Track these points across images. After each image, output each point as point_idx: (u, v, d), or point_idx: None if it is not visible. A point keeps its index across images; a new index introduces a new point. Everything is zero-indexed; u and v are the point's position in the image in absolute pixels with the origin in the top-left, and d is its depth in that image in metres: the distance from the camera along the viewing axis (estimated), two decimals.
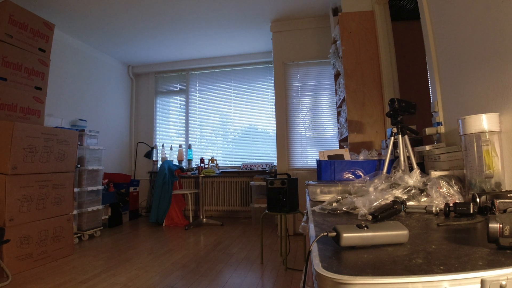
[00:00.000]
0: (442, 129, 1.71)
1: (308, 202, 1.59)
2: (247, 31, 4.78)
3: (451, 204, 1.04)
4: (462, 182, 1.26)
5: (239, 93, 5.79)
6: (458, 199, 1.13)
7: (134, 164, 6.02)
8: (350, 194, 1.47)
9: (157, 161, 5.86)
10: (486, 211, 0.96)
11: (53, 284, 2.70)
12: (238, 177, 5.39)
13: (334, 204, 1.36)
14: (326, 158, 1.93)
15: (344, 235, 0.71)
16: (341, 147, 3.48)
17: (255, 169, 5.22)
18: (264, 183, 4.83)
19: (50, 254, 3.19)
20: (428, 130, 1.74)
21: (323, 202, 1.50)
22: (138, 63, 6.08)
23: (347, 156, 1.94)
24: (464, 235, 0.81)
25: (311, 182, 1.74)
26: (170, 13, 4.24)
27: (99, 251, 3.69)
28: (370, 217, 1.03)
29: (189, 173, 5.14)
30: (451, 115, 1.64)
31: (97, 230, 4.37)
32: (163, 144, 5.90)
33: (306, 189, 1.75)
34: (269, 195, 3.11)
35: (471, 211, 0.96)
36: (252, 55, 5.58)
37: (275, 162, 5.31)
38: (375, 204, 1.11)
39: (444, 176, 1.33)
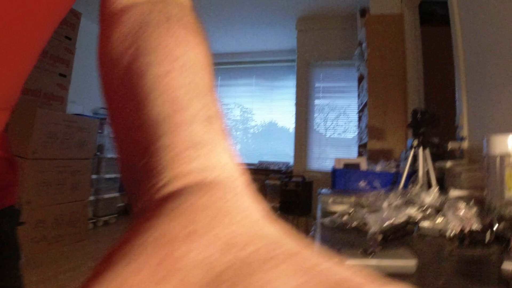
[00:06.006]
0: (465, 144, 1.62)
1: (319, 211, 1.55)
2: (272, 27, 4.73)
3: (466, 230, 0.98)
4: (482, 204, 1.19)
5: (260, 90, 5.74)
6: (475, 223, 1.07)
7: None
8: (363, 207, 1.42)
9: None
10: (503, 241, 0.89)
11: (65, 267, 2.76)
12: (254, 175, 5.36)
13: (345, 217, 1.31)
14: (341, 167, 1.88)
15: (347, 262, 0.66)
16: (359, 153, 3.40)
17: (271, 167, 5.17)
18: (279, 182, 4.79)
19: (64, 238, 3.26)
20: (451, 145, 1.66)
21: (334, 213, 1.46)
22: None
23: (363, 165, 1.88)
24: (476, 267, 0.75)
25: (323, 191, 1.69)
26: (197, 3, 4.22)
27: (112, 238, 3.75)
28: (380, 236, 0.99)
29: None
30: (477, 130, 1.55)
31: (112, 217, 4.45)
32: None
33: (318, 196, 1.71)
34: (282, 196, 3.08)
35: (487, 241, 0.90)
36: (275, 53, 5.51)
37: (292, 162, 5.26)
38: (387, 223, 1.06)
39: (463, 196, 1.25)
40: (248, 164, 5.50)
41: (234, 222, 0.14)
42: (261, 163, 5.36)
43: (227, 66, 5.94)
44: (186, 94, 0.22)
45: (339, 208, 1.50)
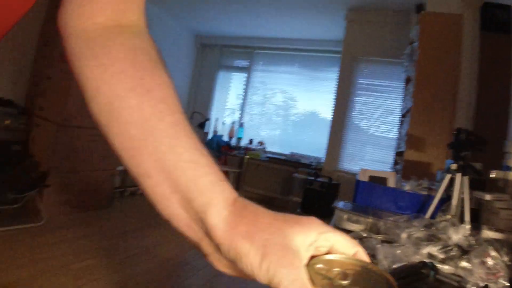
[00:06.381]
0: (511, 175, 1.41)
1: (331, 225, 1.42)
2: (320, 15, 4.49)
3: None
4: None
5: (302, 79, 5.54)
6: (503, 276, 0.90)
7: None
8: (378, 232, 1.27)
9: (208, 133, 5.90)
10: None
11: (82, 233, 2.84)
12: (283, 165, 5.22)
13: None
14: (366, 179, 1.72)
15: None
16: (395, 161, 3.17)
17: (302, 160, 5.01)
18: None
19: (87, 204, 3.35)
20: (495, 173, 1.45)
21: (347, 231, 1.33)
22: (206, 34, 6.06)
23: (391, 181, 1.70)
24: None
25: (340, 204, 1.56)
26: None
27: (135, 209, 3.84)
28: None
29: (235, 152, 5.10)
30: None
31: (139, 188, 4.53)
32: (217, 118, 5.91)
33: (334, 206, 1.57)
34: (305, 195, 2.95)
35: None
36: (320, 42, 5.25)
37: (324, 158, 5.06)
38: (398, 265, 0.92)
39: (497, 240, 1.08)
40: (280, 154, 5.37)
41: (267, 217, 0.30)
42: (292, 154, 5.22)
43: (270, 51, 5.78)
44: (199, 142, 0.33)
45: (353, 227, 1.37)
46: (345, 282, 0.28)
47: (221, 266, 0.31)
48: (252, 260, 0.27)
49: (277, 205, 5.32)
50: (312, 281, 0.26)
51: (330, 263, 0.29)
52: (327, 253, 0.30)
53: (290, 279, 0.25)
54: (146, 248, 2.82)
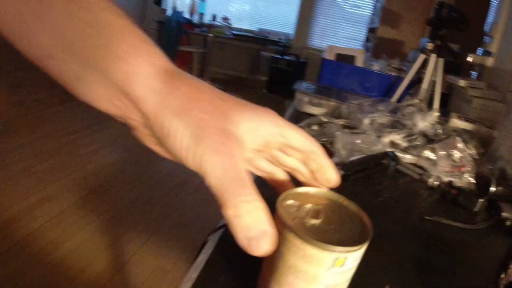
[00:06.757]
0: (490, 61, 1.28)
1: (290, 110, 1.30)
2: None
3: (454, 184, 0.75)
4: (486, 148, 0.94)
5: None
6: (468, 171, 0.83)
7: (142, 11, 5.40)
8: (340, 117, 1.16)
9: (166, 10, 5.25)
10: (495, 212, 0.67)
11: (44, 132, 2.67)
12: (250, 43, 4.87)
13: (314, 127, 1.08)
14: (333, 58, 1.55)
15: None
16: (367, 39, 2.97)
17: (271, 37, 4.66)
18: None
19: (43, 101, 3.06)
20: (472, 57, 1.31)
21: (308, 115, 1.23)
22: None
23: (359, 60, 1.55)
24: (451, 248, 0.55)
25: (303, 86, 1.42)
26: None
27: None
28: (340, 172, 0.76)
29: (197, 30, 4.65)
30: (511, 49, 1.19)
31: None
32: None
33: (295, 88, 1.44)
34: (271, 74, 2.79)
35: (475, 209, 0.68)
36: None
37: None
38: (356, 157, 0.82)
39: (466, 131, 1.00)
40: (247, 31, 4.97)
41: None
42: (261, 31, 4.84)
43: None
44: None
45: (314, 111, 1.26)
46: (317, 221, 0.26)
47: (150, 142, 0.27)
48: (180, 141, 0.23)
49: (244, 84, 5.16)
50: (283, 221, 0.25)
51: (300, 197, 0.28)
52: (286, 169, 0.29)
53: (222, 167, 0.21)
54: (110, 139, 2.70)
